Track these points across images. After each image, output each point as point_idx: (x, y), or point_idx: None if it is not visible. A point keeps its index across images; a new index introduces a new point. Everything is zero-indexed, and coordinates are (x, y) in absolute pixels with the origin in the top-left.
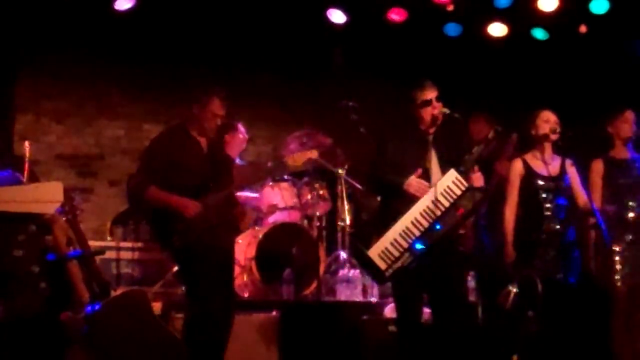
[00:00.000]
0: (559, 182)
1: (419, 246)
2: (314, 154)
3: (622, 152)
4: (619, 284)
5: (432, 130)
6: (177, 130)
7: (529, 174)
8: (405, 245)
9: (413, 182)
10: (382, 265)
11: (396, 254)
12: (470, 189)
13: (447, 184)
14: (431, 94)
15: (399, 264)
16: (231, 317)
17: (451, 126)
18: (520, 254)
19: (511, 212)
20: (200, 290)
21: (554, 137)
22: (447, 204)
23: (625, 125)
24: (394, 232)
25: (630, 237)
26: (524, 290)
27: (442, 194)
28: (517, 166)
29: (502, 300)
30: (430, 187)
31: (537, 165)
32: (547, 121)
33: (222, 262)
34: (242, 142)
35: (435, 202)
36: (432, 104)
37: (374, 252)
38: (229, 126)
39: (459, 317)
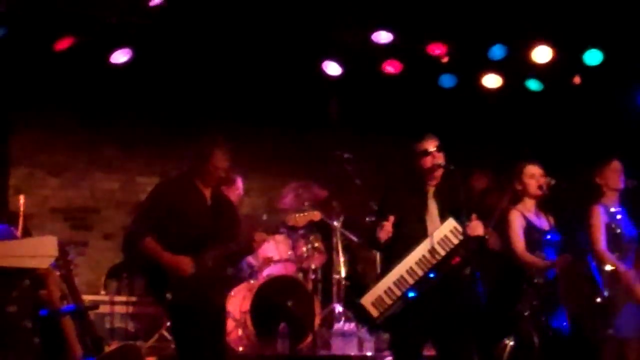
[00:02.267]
0: (551, 235)
1: (411, 294)
2: (316, 216)
3: (612, 202)
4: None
5: (433, 183)
6: (181, 180)
7: (530, 227)
8: (399, 293)
9: (382, 225)
10: (374, 313)
11: (389, 302)
12: (467, 238)
13: (444, 232)
14: (429, 145)
15: (390, 311)
16: None
17: (449, 178)
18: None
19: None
20: (190, 346)
21: (540, 192)
22: (443, 253)
23: (614, 175)
24: (389, 280)
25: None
26: (520, 343)
27: (439, 243)
28: (518, 218)
29: (498, 353)
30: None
31: (533, 218)
32: (533, 176)
33: (214, 320)
34: (238, 197)
35: (432, 251)
36: (431, 154)
37: (367, 300)
38: (228, 180)
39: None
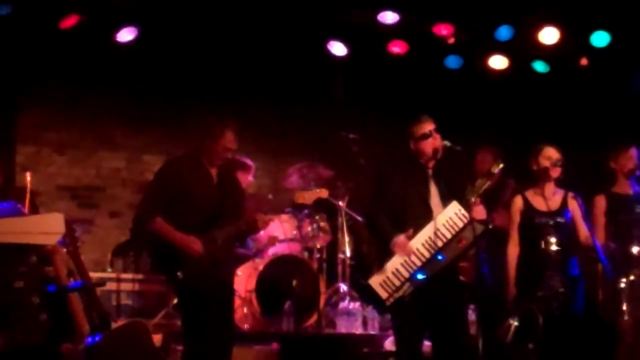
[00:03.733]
0: (557, 217)
1: (420, 276)
2: (324, 193)
3: (624, 187)
4: (625, 317)
5: (431, 164)
6: (188, 159)
7: (528, 210)
8: (407, 275)
9: (399, 241)
10: (383, 294)
11: (397, 283)
12: (472, 221)
13: (449, 215)
14: (429, 127)
15: (399, 293)
16: (229, 352)
17: (452, 159)
18: (523, 288)
19: (513, 249)
20: (199, 324)
21: (555, 173)
22: (448, 236)
23: (629, 161)
24: (396, 261)
25: (635, 273)
26: (524, 323)
27: (444, 225)
28: (517, 202)
29: (502, 333)
30: (425, 233)
31: (537, 201)
32: (549, 158)
33: (224, 298)
34: (248, 182)
35: (437, 233)
36: (431, 136)
37: (375, 281)
38: (243, 165)
39: (461, 350)
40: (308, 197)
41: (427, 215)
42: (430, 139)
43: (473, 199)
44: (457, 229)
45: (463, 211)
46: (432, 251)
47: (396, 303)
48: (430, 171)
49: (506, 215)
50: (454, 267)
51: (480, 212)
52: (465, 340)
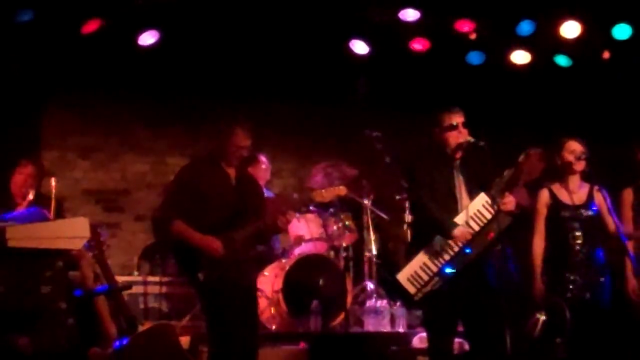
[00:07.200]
0: (584, 211)
1: (448, 270)
2: (342, 191)
3: None
4: None
5: (458, 156)
6: (205, 161)
7: (555, 204)
8: (435, 269)
9: (460, 231)
10: (411, 289)
11: (425, 277)
12: (500, 213)
13: (477, 207)
14: (458, 119)
15: (428, 288)
16: (255, 352)
17: (476, 154)
18: (548, 282)
19: (539, 242)
20: (223, 325)
21: (580, 167)
22: (477, 228)
23: None
24: (424, 256)
25: None
26: (552, 318)
27: (472, 217)
28: (544, 196)
29: (530, 328)
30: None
31: (563, 195)
32: (573, 152)
33: (246, 298)
34: (265, 173)
35: (465, 226)
36: (458, 129)
37: (403, 276)
38: (251, 158)
39: (497, 339)
40: (327, 195)
41: (453, 208)
42: (456, 132)
43: (501, 190)
44: (485, 221)
45: (491, 203)
46: (461, 244)
47: (425, 298)
48: (456, 163)
49: (523, 193)
50: (483, 259)
51: (509, 203)
52: (501, 330)
